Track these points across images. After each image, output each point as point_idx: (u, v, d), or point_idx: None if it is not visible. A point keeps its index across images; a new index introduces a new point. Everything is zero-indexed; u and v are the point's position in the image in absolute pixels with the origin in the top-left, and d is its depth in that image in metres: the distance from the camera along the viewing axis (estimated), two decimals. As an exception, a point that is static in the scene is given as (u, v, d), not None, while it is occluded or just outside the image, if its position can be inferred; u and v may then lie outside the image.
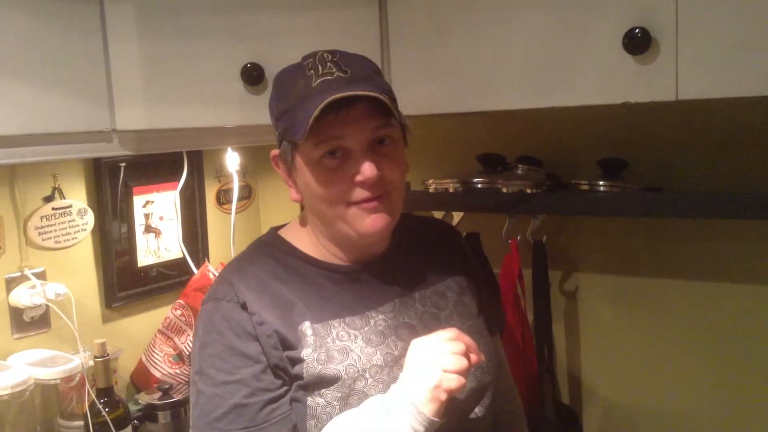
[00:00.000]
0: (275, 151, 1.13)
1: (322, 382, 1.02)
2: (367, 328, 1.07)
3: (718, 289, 1.51)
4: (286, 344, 1.03)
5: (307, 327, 1.04)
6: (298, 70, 1.05)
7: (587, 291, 1.66)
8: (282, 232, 1.17)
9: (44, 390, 1.44)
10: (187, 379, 1.66)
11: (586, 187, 1.47)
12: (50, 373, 1.41)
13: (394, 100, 1.05)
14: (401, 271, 1.16)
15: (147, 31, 1.24)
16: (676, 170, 1.49)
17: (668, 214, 1.46)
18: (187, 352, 1.67)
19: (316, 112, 0.96)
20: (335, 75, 1.02)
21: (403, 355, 1.04)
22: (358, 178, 1.02)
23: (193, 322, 1.67)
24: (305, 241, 1.14)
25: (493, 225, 1.61)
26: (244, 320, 1.03)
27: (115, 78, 1.23)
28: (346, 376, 1.02)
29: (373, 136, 1.03)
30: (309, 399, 1.03)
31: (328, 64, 1.03)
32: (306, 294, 1.08)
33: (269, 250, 1.13)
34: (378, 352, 1.06)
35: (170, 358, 1.67)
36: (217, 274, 1.67)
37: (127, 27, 1.23)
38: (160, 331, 1.70)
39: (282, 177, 1.13)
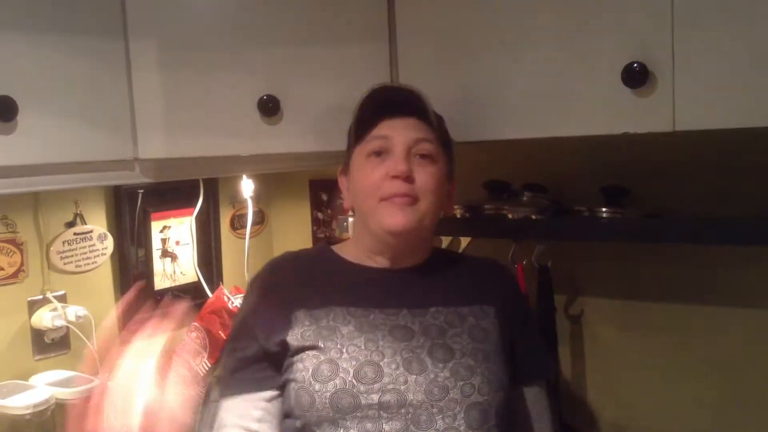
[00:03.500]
0: (341, 167, 1.30)
1: (303, 348, 1.15)
2: (363, 319, 1.17)
3: (722, 313, 1.53)
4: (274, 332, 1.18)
5: (302, 313, 1.18)
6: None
7: (592, 315, 1.69)
8: (334, 246, 1.32)
9: (64, 410, 1.47)
10: (200, 401, 1.69)
11: (589, 214, 1.51)
12: (70, 393, 1.45)
13: (446, 132, 1.25)
14: (428, 287, 1.23)
15: (169, 65, 1.29)
16: (676, 197, 1.52)
17: (668, 240, 1.48)
18: (202, 374, 1.70)
19: (365, 94, 1.19)
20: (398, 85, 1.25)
21: (386, 349, 1.14)
22: (391, 171, 1.16)
23: (207, 344, 1.71)
24: (348, 249, 1.29)
25: (499, 250, 1.64)
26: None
27: (138, 109, 1.28)
28: (323, 346, 1.14)
29: (415, 146, 1.18)
30: (291, 363, 1.15)
31: (397, 86, 1.27)
32: (324, 284, 1.23)
33: (312, 252, 1.38)
34: (362, 337, 1.15)
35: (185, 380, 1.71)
36: (231, 298, 1.72)
37: (150, 61, 1.28)
38: (175, 353, 1.74)
39: (342, 190, 1.29)
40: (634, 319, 1.63)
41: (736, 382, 1.52)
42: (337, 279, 1.25)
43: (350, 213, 1.28)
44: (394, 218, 1.16)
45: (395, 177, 1.16)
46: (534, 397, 1.27)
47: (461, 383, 1.11)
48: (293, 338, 1.16)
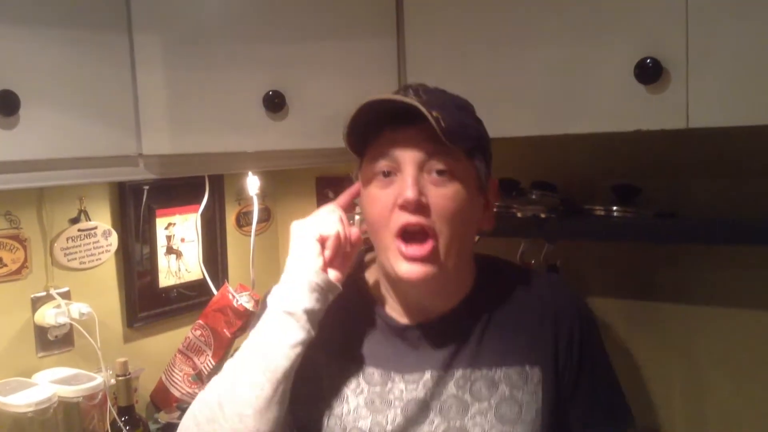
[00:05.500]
0: (355, 171, 1.11)
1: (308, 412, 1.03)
2: (379, 388, 1.02)
3: (736, 315, 1.51)
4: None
5: (317, 361, 1.03)
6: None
7: (602, 315, 1.67)
8: (367, 272, 1.12)
9: (67, 407, 1.46)
10: (205, 399, 1.69)
11: (600, 213, 1.49)
12: (73, 391, 1.45)
13: (468, 136, 0.99)
14: (458, 340, 1.03)
15: (173, 60, 1.28)
16: (689, 196, 1.50)
17: (680, 240, 1.47)
18: (206, 372, 1.69)
19: (354, 112, 0.96)
20: (408, 96, 0.97)
21: (395, 429, 0.99)
22: (399, 200, 0.96)
23: (212, 342, 1.70)
24: (375, 281, 1.10)
25: (508, 249, 1.63)
26: None
27: (142, 105, 1.27)
28: (326, 424, 1.02)
29: (428, 161, 0.97)
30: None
31: (410, 90, 1.00)
32: (347, 331, 1.06)
33: (352, 275, 1.10)
34: (369, 419, 1.01)
35: (189, 378, 1.70)
36: (236, 296, 1.71)
37: (155, 56, 1.27)
38: (180, 351, 1.73)
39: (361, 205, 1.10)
40: (645, 319, 1.62)
41: (748, 383, 1.51)
42: (360, 326, 1.07)
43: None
44: (406, 271, 0.97)
45: (403, 207, 0.96)
46: None
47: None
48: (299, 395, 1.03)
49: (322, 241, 1.00)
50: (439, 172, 0.97)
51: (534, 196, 1.57)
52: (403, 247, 0.96)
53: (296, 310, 0.97)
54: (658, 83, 1.14)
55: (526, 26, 1.28)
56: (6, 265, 1.46)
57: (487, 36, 1.31)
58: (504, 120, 1.31)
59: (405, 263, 0.96)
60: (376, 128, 1.00)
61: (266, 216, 2.07)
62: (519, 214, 1.53)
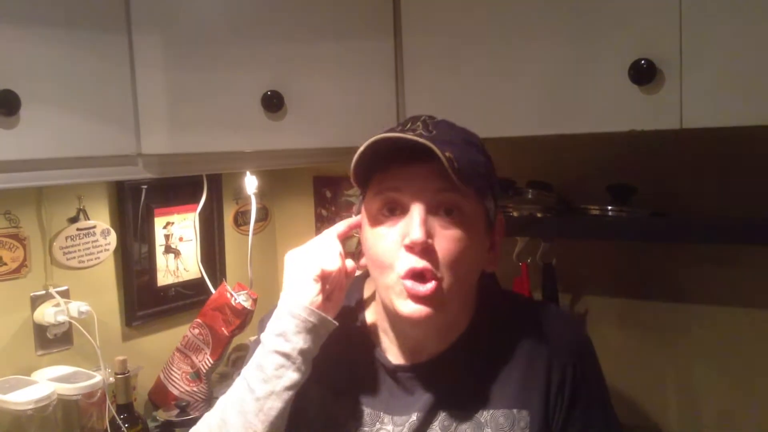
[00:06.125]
0: (355, 207, 1.08)
1: None
2: (367, 429, 1.00)
3: (730, 313, 1.52)
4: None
5: (316, 393, 1.01)
6: (392, 127, 0.98)
7: (597, 314, 1.68)
8: (366, 289, 1.09)
9: (66, 405, 1.47)
10: (203, 397, 1.70)
11: (595, 212, 1.50)
12: (72, 389, 1.46)
13: (478, 174, 0.94)
14: (448, 381, 1.00)
15: (172, 60, 1.29)
16: (683, 196, 1.52)
17: (675, 239, 1.48)
18: (205, 371, 1.70)
19: (361, 149, 0.91)
20: (417, 132, 0.93)
21: None
22: (405, 241, 0.91)
23: (210, 340, 1.71)
24: (372, 315, 1.07)
25: (503, 248, 1.63)
26: None
27: (142, 104, 1.28)
28: None
29: (436, 199, 0.93)
30: None
31: (419, 123, 0.96)
32: (337, 365, 1.03)
33: (350, 304, 1.08)
34: None
35: (188, 376, 1.71)
36: (234, 294, 1.72)
37: (154, 56, 1.28)
38: (178, 350, 1.74)
39: (360, 237, 1.05)
40: (639, 318, 1.63)
41: (742, 384, 1.52)
42: (354, 363, 1.04)
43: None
44: (409, 311, 0.93)
45: (410, 248, 0.92)
46: None
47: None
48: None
49: (323, 278, 0.97)
50: (447, 211, 0.94)
51: (530, 196, 1.58)
52: (409, 285, 0.92)
53: (292, 351, 0.94)
54: (653, 84, 1.15)
55: (522, 28, 1.29)
56: (5, 264, 1.47)
57: (484, 37, 1.33)
58: (500, 120, 1.32)
59: (409, 302, 0.93)
60: (383, 162, 0.94)
61: (264, 215, 2.08)
62: (515, 214, 1.54)
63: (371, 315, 1.07)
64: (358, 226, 1.02)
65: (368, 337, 1.05)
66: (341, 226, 1.03)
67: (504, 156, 1.71)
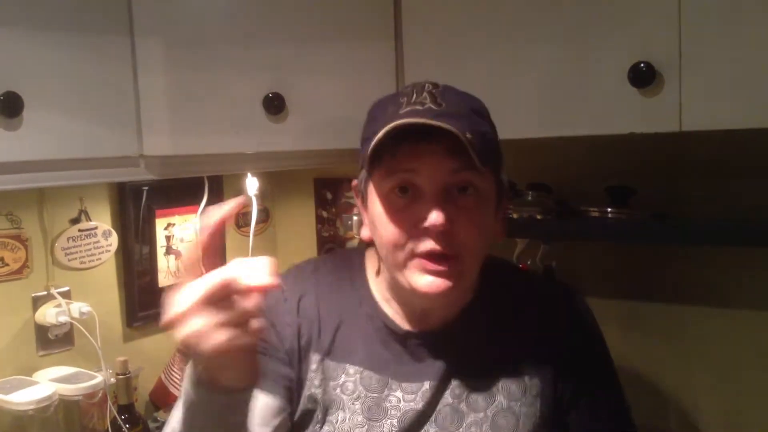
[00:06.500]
0: (355, 181, 1.04)
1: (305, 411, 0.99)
2: (377, 395, 0.98)
3: (730, 315, 1.53)
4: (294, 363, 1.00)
5: (315, 360, 1.00)
6: (393, 97, 0.96)
7: (597, 315, 1.66)
8: (367, 261, 1.08)
9: (67, 406, 1.48)
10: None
11: (595, 214, 1.50)
12: (73, 390, 1.46)
13: (491, 150, 0.93)
14: (458, 349, 1.00)
15: (174, 63, 1.29)
16: (683, 198, 1.52)
17: (674, 241, 1.48)
18: (205, 371, 1.70)
19: (380, 135, 0.87)
20: (426, 105, 0.91)
21: None
22: (424, 224, 0.89)
23: (211, 341, 1.71)
24: (379, 286, 1.05)
25: (504, 250, 1.64)
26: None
27: (144, 106, 1.28)
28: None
29: (452, 179, 0.91)
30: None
31: (425, 93, 0.93)
32: (349, 328, 1.02)
33: (351, 275, 1.07)
34: (365, 427, 0.97)
35: (188, 377, 1.71)
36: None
37: (156, 58, 1.28)
38: (179, 351, 1.75)
39: (360, 210, 1.04)
40: (639, 319, 1.63)
41: (741, 385, 1.52)
42: (361, 328, 1.02)
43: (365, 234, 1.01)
44: (427, 285, 0.91)
45: (427, 231, 0.90)
46: None
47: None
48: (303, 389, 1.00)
49: (186, 347, 0.72)
50: (462, 189, 0.92)
51: (530, 198, 1.58)
52: (426, 262, 0.91)
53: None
54: (652, 87, 1.16)
55: (522, 30, 1.29)
56: (7, 265, 1.48)
57: (484, 40, 1.33)
58: (500, 122, 1.31)
59: (427, 277, 0.91)
60: (393, 141, 0.89)
61: (265, 216, 2.08)
62: (515, 216, 1.55)
63: (376, 283, 1.05)
64: (223, 223, 0.78)
65: (375, 303, 1.04)
66: (201, 236, 0.78)
67: (504, 158, 1.73)
